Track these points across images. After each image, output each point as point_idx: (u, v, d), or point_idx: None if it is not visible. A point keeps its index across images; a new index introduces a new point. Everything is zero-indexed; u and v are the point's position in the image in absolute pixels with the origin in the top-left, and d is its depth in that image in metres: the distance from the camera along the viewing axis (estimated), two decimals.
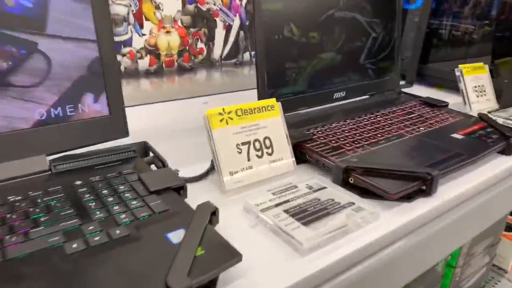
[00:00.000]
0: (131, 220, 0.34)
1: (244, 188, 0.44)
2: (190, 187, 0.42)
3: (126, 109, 0.47)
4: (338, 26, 0.65)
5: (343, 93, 0.69)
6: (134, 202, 0.37)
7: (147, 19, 0.71)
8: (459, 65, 0.78)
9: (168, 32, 0.74)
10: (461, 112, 0.69)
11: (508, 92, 0.80)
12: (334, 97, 0.68)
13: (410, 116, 0.65)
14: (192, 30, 0.77)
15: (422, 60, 1.00)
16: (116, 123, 0.47)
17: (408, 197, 0.44)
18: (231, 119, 0.45)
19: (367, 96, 0.74)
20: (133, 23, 0.69)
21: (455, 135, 0.58)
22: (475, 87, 0.79)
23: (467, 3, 0.99)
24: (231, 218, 0.39)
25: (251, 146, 0.46)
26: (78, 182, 0.40)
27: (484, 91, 0.80)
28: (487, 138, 0.58)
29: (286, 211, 0.39)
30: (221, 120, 0.45)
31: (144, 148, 0.49)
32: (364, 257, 0.36)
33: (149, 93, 0.75)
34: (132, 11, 0.69)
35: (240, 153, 0.45)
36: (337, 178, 0.46)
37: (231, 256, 0.30)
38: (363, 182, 0.44)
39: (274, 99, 0.50)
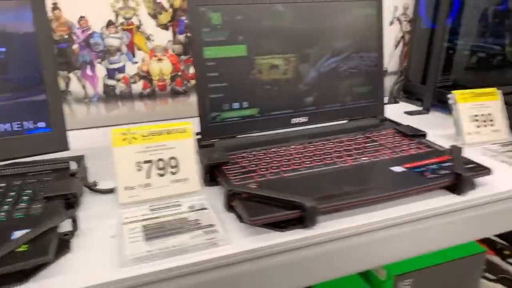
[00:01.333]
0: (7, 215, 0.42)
1: (142, 203, 0.48)
2: (100, 197, 0.49)
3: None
4: (303, 47, 0.66)
5: (304, 118, 0.68)
6: (22, 204, 0.44)
7: (139, 49, 0.81)
8: (453, 91, 0.70)
9: (160, 59, 0.82)
10: (434, 144, 0.62)
11: None
12: (292, 122, 0.67)
13: (367, 145, 0.61)
14: (183, 57, 0.84)
15: (445, 85, 0.91)
16: (57, 138, 0.56)
17: (283, 226, 0.43)
18: (135, 139, 0.50)
19: (345, 121, 0.72)
20: (125, 53, 0.80)
21: (395, 168, 0.53)
22: (476, 115, 0.69)
23: (497, 17, 0.87)
24: (105, 227, 0.44)
25: (153, 165, 0.50)
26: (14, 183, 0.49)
27: (492, 120, 0.70)
28: (433, 173, 0.51)
29: (144, 226, 0.42)
30: (124, 139, 0.50)
31: (81, 160, 0.57)
32: (183, 274, 0.37)
33: (142, 113, 0.84)
34: (125, 42, 0.79)
35: (139, 170, 0.49)
36: (224, 201, 0.47)
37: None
38: (236, 206, 0.44)
39: (188, 122, 0.53)
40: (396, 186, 0.49)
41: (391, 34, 1.01)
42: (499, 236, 0.78)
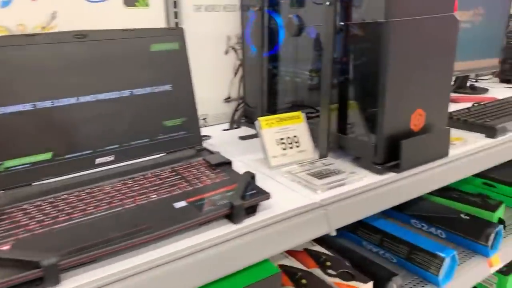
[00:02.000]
0: None
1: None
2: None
3: None
4: (92, 84, 0.64)
5: (111, 157, 0.66)
6: None
7: None
8: (259, 118, 0.74)
9: None
10: (234, 172, 0.64)
11: (324, 140, 0.75)
12: (97, 162, 0.65)
13: (167, 180, 0.61)
14: None
15: (282, 108, 0.96)
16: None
17: None
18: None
19: (163, 154, 0.71)
20: None
21: (178, 204, 0.54)
22: (282, 139, 0.74)
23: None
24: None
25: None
26: None
27: (297, 142, 0.75)
28: (213, 205, 0.53)
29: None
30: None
31: None
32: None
33: None
34: None
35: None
36: None
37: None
38: None
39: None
40: (170, 222, 0.49)
41: (229, 62, 1.06)
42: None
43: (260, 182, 0.63)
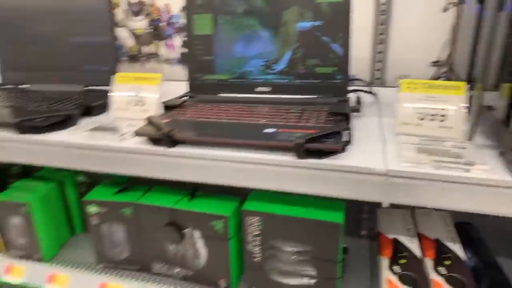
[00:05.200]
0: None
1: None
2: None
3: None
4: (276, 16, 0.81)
5: (268, 88, 0.83)
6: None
7: None
8: (400, 80, 0.69)
9: None
10: (343, 123, 0.67)
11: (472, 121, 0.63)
12: (256, 90, 0.84)
13: (290, 113, 0.72)
14: None
15: None
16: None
17: None
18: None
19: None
20: None
21: (269, 129, 0.65)
22: (424, 108, 0.67)
23: None
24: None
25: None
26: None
27: (444, 115, 0.66)
28: (287, 138, 0.62)
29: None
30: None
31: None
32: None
33: None
34: None
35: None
36: None
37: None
38: None
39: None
40: (251, 137, 0.62)
41: (446, 22, 0.94)
42: None
43: (369, 140, 0.65)
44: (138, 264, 0.82)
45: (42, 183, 0.91)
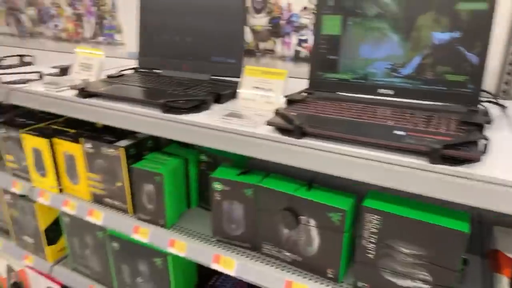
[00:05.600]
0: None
1: None
2: None
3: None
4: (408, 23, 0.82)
5: (390, 91, 0.84)
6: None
7: None
8: None
9: None
10: (478, 133, 0.66)
11: None
12: (379, 92, 0.85)
13: (417, 118, 0.73)
14: None
15: None
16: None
17: None
18: None
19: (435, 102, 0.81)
20: (311, 29, 1.16)
21: (399, 132, 0.67)
22: None
23: None
24: None
25: None
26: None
27: None
28: (419, 142, 0.63)
29: None
30: None
31: None
32: None
33: None
34: (312, 22, 1.15)
35: None
36: None
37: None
38: None
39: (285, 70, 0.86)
40: (381, 138, 0.65)
41: None
42: None
43: (503, 152, 0.63)
44: (249, 243, 0.89)
45: (172, 158, 1.02)
